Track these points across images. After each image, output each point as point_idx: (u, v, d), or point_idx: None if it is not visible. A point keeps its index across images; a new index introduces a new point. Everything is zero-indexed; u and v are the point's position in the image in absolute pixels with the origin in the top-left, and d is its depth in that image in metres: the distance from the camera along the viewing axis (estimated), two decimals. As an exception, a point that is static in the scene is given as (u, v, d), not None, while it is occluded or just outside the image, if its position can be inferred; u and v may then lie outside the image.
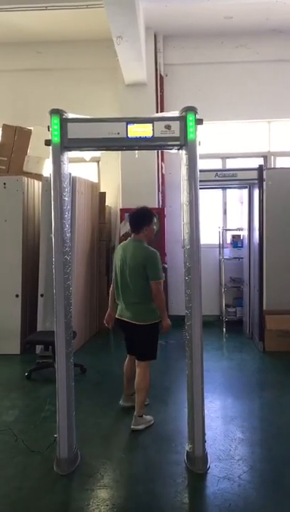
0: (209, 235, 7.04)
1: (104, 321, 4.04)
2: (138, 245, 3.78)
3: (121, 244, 3.98)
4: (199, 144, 3.07)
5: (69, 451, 3.13)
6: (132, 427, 3.69)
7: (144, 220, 3.82)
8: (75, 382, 3.21)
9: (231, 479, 2.99)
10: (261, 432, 3.81)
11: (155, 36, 7.06)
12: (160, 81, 7.18)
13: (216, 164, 7.37)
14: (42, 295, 5.69)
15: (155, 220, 3.90)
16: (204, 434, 3.15)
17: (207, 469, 3.11)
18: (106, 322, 4.04)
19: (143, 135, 3.06)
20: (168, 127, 3.04)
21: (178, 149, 3.20)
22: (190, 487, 2.97)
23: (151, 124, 3.04)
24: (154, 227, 3.90)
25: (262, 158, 7.36)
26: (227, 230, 7.30)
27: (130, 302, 3.76)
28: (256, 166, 6.00)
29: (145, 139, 3.06)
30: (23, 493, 2.91)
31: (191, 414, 3.15)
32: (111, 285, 4.02)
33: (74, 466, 3.17)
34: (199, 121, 3.04)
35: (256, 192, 5.97)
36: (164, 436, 3.61)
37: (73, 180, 5.63)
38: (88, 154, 6.34)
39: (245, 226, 6.59)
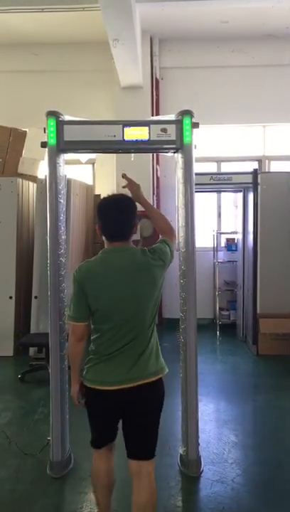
0: (203, 238, 7.05)
1: (75, 399, 2.42)
2: (137, 252, 2.29)
3: (92, 264, 2.27)
4: (195, 148, 3.09)
5: (62, 454, 3.13)
6: None
7: (134, 212, 2.33)
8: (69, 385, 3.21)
9: (224, 482, 3.00)
10: (255, 435, 3.82)
11: (151, 39, 7.07)
12: (155, 84, 7.19)
13: (211, 168, 7.40)
14: (36, 297, 5.67)
15: None
16: (198, 437, 3.15)
17: (201, 472, 3.11)
18: (78, 399, 2.42)
19: (139, 138, 3.06)
20: (164, 130, 3.04)
21: (174, 152, 3.20)
22: (184, 490, 2.97)
23: (147, 127, 3.05)
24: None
25: (257, 162, 7.39)
26: (221, 233, 7.32)
27: (139, 350, 2.30)
28: (251, 169, 6.03)
29: (141, 141, 3.07)
30: (16, 496, 2.90)
31: (185, 417, 3.15)
32: (73, 338, 2.39)
33: (67, 469, 3.16)
34: (195, 125, 3.05)
35: (250, 196, 6.00)
36: (158, 438, 3.59)
37: (68, 182, 5.62)
38: (84, 156, 6.34)
39: (239, 229, 6.61)
